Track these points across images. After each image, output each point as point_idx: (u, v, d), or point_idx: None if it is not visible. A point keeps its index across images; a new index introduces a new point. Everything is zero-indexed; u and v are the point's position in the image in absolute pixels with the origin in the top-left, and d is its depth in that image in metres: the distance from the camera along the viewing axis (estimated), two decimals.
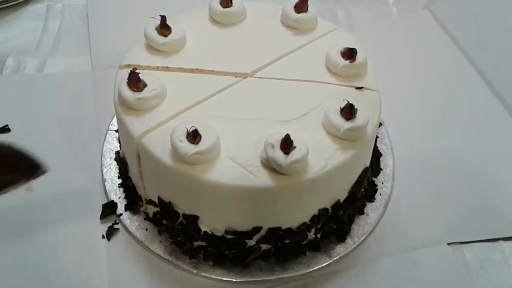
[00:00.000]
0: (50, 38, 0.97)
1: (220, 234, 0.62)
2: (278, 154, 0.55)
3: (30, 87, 0.87)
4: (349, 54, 0.67)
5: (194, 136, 0.56)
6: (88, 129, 0.80)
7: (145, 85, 0.61)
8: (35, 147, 0.75)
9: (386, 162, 0.78)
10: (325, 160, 0.58)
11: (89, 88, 0.87)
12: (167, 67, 0.67)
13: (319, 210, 0.63)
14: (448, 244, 0.70)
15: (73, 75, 0.89)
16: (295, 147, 0.56)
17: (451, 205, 0.74)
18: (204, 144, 0.56)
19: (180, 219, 0.63)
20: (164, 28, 0.68)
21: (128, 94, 0.61)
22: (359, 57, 0.67)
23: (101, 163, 0.75)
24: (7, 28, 0.98)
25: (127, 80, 0.61)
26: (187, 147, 0.55)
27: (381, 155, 0.78)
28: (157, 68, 0.67)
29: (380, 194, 0.74)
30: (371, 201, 0.73)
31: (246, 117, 0.62)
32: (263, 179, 0.56)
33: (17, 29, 0.98)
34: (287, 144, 0.55)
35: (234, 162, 0.57)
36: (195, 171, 0.56)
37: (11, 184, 0.62)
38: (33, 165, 0.63)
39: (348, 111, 0.60)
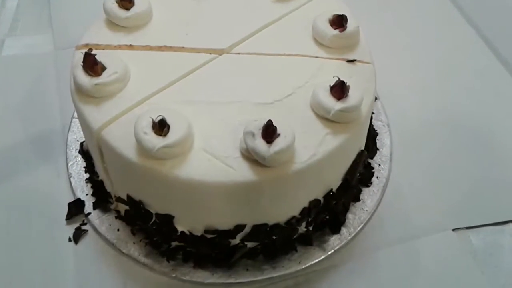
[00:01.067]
0: (8, 16, 0.88)
1: (199, 234, 0.56)
2: (260, 144, 0.48)
3: None
4: (339, 22, 0.59)
5: (161, 127, 0.48)
6: (51, 117, 0.73)
7: (104, 68, 0.53)
8: None
9: (382, 141, 0.71)
10: (314, 147, 0.51)
11: (52, 70, 0.79)
12: (130, 45, 0.59)
13: (310, 202, 0.56)
14: (453, 230, 0.64)
15: (33, 57, 0.81)
16: (279, 134, 0.48)
17: (455, 186, 0.68)
18: (173, 135, 0.48)
19: (153, 219, 0.56)
20: (125, 0, 0.59)
21: (84, 79, 0.52)
22: (350, 25, 0.59)
23: (66, 156, 0.67)
24: None
25: (82, 63, 0.53)
26: (154, 140, 0.48)
27: (377, 134, 0.71)
28: (119, 47, 0.58)
29: (377, 177, 0.67)
30: (368, 186, 0.66)
31: (222, 100, 0.54)
32: (244, 172, 0.49)
33: None
34: (269, 132, 0.48)
35: (209, 155, 0.50)
36: (164, 167, 0.49)
37: None
38: None
39: (339, 90, 0.52)
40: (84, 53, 0.52)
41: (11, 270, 0.59)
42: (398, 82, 0.79)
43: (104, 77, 0.53)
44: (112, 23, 0.60)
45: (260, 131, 0.48)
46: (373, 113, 0.72)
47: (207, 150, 0.50)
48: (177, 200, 0.52)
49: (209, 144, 0.50)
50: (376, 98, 0.75)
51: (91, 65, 0.52)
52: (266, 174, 0.49)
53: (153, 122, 0.48)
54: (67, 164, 0.66)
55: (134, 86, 0.55)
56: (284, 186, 0.51)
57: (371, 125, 0.69)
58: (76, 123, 0.70)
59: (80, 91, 0.53)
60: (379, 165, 0.68)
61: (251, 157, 0.49)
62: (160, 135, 0.48)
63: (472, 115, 0.76)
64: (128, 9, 0.59)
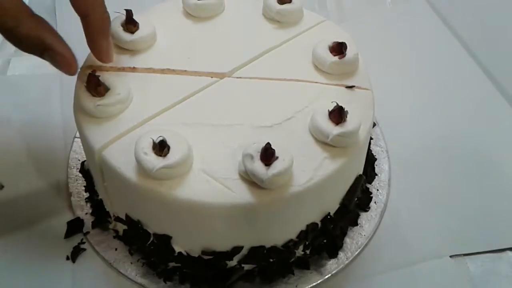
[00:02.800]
0: None
1: (196, 255, 0.56)
2: (258, 166, 0.48)
3: None
4: (338, 49, 0.60)
5: (161, 148, 0.49)
6: (53, 136, 0.73)
7: (107, 89, 0.54)
8: None
9: (381, 166, 0.71)
10: (312, 171, 0.51)
11: (56, 90, 0.80)
12: (134, 67, 0.60)
13: (307, 226, 0.56)
14: (451, 256, 0.64)
15: (38, 77, 0.82)
16: (277, 157, 0.49)
17: (453, 213, 0.68)
18: (173, 156, 0.49)
19: (151, 239, 0.56)
20: (130, 23, 0.60)
21: (87, 100, 0.53)
22: (350, 52, 0.60)
23: (67, 174, 0.68)
24: None
25: (85, 84, 0.54)
26: (153, 161, 0.48)
27: (375, 159, 0.71)
28: (123, 69, 0.59)
29: (375, 202, 0.67)
30: (366, 211, 0.66)
31: (223, 123, 0.55)
32: (242, 194, 0.49)
33: None
34: (267, 155, 0.48)
35: (208, 176, 0.50)
36: (163, 188, 0.49)
37: None
38: None
39: (338, 114, 0.53)
40: (88, 74, 0.53)
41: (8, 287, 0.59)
42: (397, 108, 0.79)
43: (107, 98, 0.54)
44: (117, 46, 0.61)
45: (259, 153, 0.49)
46: (371, 138, 0.72)
47: (206, 171, 0.50)
48: (175, 220, 0.53)
49: (208, 166, 0.51)
50: (375, 124, 0.76)
51: (95, 86, 0.53)
52: (264, 197, 0.49)
53: (154, 143, 0.49)
54: (67, 183, 0.67)
55: (136, 107, 0.55)
56: (281, 208, 0.51)
57: (369, 150, 0.69)
58: (78, 142, 0.71)
59: (82, 111, 0.54)
60: (377, 190, 0.69)
61: (250, 179, 0.49)
62: (160, 155, 0.49)
63: (471, 142, 0.76)
64: (132, 32, 0.61)
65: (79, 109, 0.55)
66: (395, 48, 0.91)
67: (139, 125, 0.54)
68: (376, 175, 0.70)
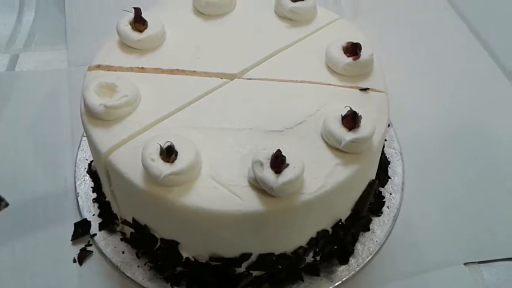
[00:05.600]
0: (23, 32, 0.89)
1: (204, 261, 0.55)
2: (268, 174, 0.47)
3: (0, 86, 0.79)
4: (353, 50, 0.58)
5: (168, 154, 0.47)
6: (62, 134, 0.73)
7: (115, 90, 0.53)
8: (2, 154, 0.69)
9: (394, 169, 0.70)
10: (323, 178, 0.50)
11: (65, 87, 0.79)
12: (142, 67, 0.58)
13: (318, 233, 0.55)
14: (465, 264, 0.63)
15: (47, 73, 0.81)
16: (287, 164, 0.48)
17: (468, 219, 0.67)
18: (180, 162, 0.47)
19: (158, 244, 0.55)
20: (139, 22, 0.59)
21: (94, 101, 0.52)
22: (364, 53, 0.58)
23: (74, 174, 0.67)
24: None
25: (93, 85, 0.52)
26: (161, 167, 0.47)
27: (389, 162, 0.69)
28: (131, 69, 0.58)
29: (388, 207, 0.66)
30: (378, 216, 0.65)
31: (232, 127, 0.53)
32: (251, 202, 0.48)
33: None
34: (278, 162, 0.47)
35: (217, 183, 0.49)
36: (170, 194, 0.48)
37: None
38: None
39: (351, 120, 0.51)
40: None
41: None
42: (412, 108, 0.78)
43: (114, 100, 0.52)
44: (125, 45, 0.60)
45: (269, 160, 0.47)
46: (385, 140, 0.71)
47: (215, 178, 0.49)
48: (183, 227, 0.52)
49: (217, 172, 0.49)
50: (389, 125, 0.74)
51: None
52: (274, 205, 0.48)
53: (161, 149, 0.48)
54: (75, 183, 0.66)
55: (143, 109, 0.54)
56: (291, 217, 0.50)
57: (383, 153, 0.67)
58: (85, 141, 0.69)
59: (89, 113, 0.53)
60: (390, 194, 0.67)
61: (259, 187, 0.48)
62: (168, 161, 0.47)
63: (489, 146, 0.74)
64: (141, 31, 0.59)
65: (86, 110, 0.53)
66: (411, 44, 0.88)
67: (147, 129, 0.53)
68: (390, 178, 0.68)
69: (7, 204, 0.56)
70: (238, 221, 0.49)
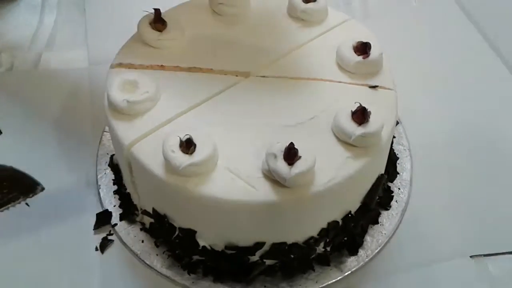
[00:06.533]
0: (45, 32, 0.92)
1: (220, 249, 0.57)
2: (281, 165, 0.50)
3: (24, 85, 0.82)
4: (363, 49, 0.61)
5: (187, 146, 0.50)
6: (83, 129, 0.76)
7: (136, 87, 0.56)
8: (28, 149, 0.72)
9: (403, 165, 0.72)
10: (334, 170, 0.52)
11: (86, 84, 0.82)
12: (161, 65, 0.61)
13: (328, 223, 0.57)
14: (471, 257, 0.64)
15: (69, 71, 0.84)
16: (300, 157, 0.50)
17: (475, 213, 0.68)
18: (199, 154, 0.50)
19: (176, 233, 0.58)
20: (158, 22, 0.62)
21: (118, 97, 0.55)
22: (374, 52, 0.61)
23: (96, 168, 0.70)
24: (1, 22, 0.93)
25: (117, 82, 0.56)
26: (180, 158, 0.50)
27: (397, 158, 0.72)
28: (151, 67, 0.61)
29: (396, 201, 0.68)
30: (387, 209, 0.67)
31: (247, 122, 0.56)
32: (265, 192, 0.51)
33: (11, 23, 0.93)
34: (291, 154, 0.50)
35: (233, 174, 0.52)
36: (189, 184, 0.51)
37: (11, 202, 0.66)
38: (32, 185, 0.66)
39: (361, 115, 0.54)
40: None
41: (40, 276, 0.61)
42: (420, 106, 0.80)
43: (136, 95, 0.55)
44: (145, 44, 0.63)
45: (282, 153, 0.50)
46: (394, 137, 0.73)
47: (231, 169, 0.52)
48: (200, 216, 0.54)
49: (232, 164, 0.52)
50: (397, 123, 0.76)
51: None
52: (286, 195, 0.51)
53: (181, 141, 0.51)
54: (96, 176, 0.69)
55: (163, 105, 0.57)
56: (303, 207, 0.53)
57: (392, 149, 0.70)
58: (106, 136, 0.73)
59: (113, 108, 0.56)
60: (399, 189, 0.69)
61: (273, 178, 0.51)
62: (187, 153, 0.50)
63: (496, 142, 0.76)
64: (160, 31, 0.62)
65: (109, 106, 0.57)
66: (420, 44, 0.90)
67: (167, 123, 0.56)
68: (398, 173, 0.70)
69: (43, 188, 0.60)
70: (253, 210, 0.51)
